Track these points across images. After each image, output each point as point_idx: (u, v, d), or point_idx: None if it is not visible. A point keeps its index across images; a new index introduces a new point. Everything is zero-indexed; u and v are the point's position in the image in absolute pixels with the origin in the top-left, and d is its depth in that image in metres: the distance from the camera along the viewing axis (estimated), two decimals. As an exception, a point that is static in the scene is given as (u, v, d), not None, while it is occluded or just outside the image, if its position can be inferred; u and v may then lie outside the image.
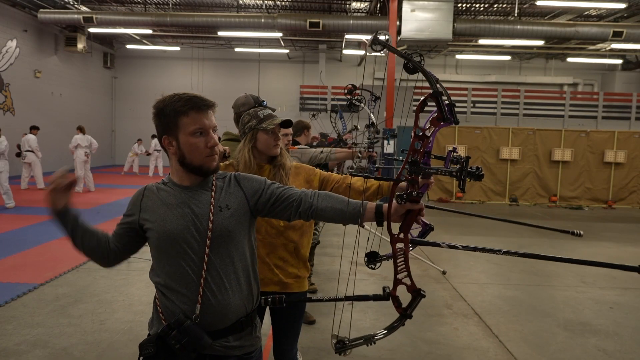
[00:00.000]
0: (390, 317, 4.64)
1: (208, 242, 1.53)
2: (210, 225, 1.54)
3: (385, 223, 1.52)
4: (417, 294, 1.42)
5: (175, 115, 1.54)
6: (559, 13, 15.24)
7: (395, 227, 1.50)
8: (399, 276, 1.43)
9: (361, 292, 4.75)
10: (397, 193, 1.46)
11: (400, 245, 1.47)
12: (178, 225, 1.55)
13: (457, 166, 1.54)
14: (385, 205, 1.50)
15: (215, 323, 1.54)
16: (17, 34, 15.41)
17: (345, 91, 4.45)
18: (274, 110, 2.45)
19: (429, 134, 1.43)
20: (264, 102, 2.88)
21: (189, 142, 1.54)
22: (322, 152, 3.76)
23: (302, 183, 2.36)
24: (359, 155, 5.25)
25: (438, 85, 1.50)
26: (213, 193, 1.60)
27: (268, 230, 2.29)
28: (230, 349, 1.59)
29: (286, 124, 2.29)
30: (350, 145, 5.04)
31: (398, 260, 1.46)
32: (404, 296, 1.49)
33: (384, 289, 1.53)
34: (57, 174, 1.61)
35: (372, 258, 1.62)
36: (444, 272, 6.12)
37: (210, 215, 1.55)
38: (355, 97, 4.38)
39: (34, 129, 12.45)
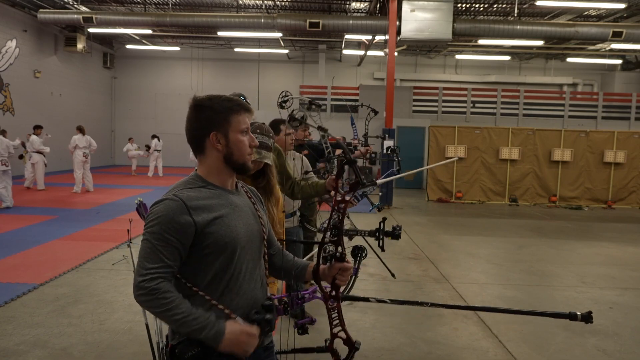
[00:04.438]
0: (390, 318, 4.67)
1: (265, 242, 1.71)
2: (263, 227, 1.70)
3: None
4: (351, 348, 1.52)
5: (228, 112, 1.58)
6: (558, 13, 15.24)
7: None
8: (335, 330, 1.51)
9: (361, 292, 4.75)
10: (322, 254, 1.59)
11: (332, 302, 1.58)
12: (253, 226, 1.65)
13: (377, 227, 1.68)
14: (321, 266, 1.64)
15: None
16: (17, 34, 15.41)
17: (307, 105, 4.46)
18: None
19: (348, 198, 1.52)
20: (241, 97, 2.97)
21: (238, 139, 1.59)
22: (311, 177, 3.90)
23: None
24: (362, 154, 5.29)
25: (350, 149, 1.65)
26: (248, 197, 1.73)
27: None
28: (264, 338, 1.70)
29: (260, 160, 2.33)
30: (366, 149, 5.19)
31: (332, 316, 1.54)
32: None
33: (325, 340, 1.67)
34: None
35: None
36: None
37: (259, 216, 1.70)
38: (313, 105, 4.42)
39: (37, 128, 12.41)
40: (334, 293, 1.54)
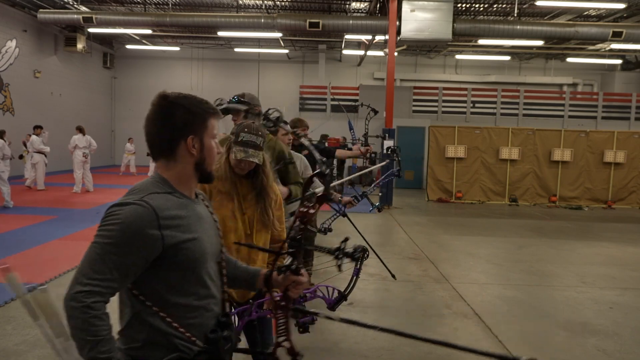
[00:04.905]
0: (390, 318, 4.66)
1: (223, 248, 1.64)
2: (221, 238, 1.63)
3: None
4: (294, 357, 1.47)
5: (206, 115, 1.49)
6: (558, 13, 15.24)
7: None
8: (279, 339, 1.49)
9: (361, 292, 4.74)
10: (279, 264, 1.57)
11: (281, 311, 1.56)
12: (214, 237, 1.57)
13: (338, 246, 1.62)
14: (274, 274, 1.60)
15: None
16: (17, 34, 15.40)
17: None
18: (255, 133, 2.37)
19: (312, 211, 1.51)
20: (223, 102, 3.06)
21: (211, 145, 1.51)
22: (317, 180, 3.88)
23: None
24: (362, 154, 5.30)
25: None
26: (205, 205, 1.63)
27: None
28: None
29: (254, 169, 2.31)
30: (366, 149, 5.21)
31: (279, 323, 1.53)
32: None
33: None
34: None
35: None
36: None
37: (218, 227, 1.62)
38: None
39: (37, 128, 12.42)
40: (283, 303, 1.51)
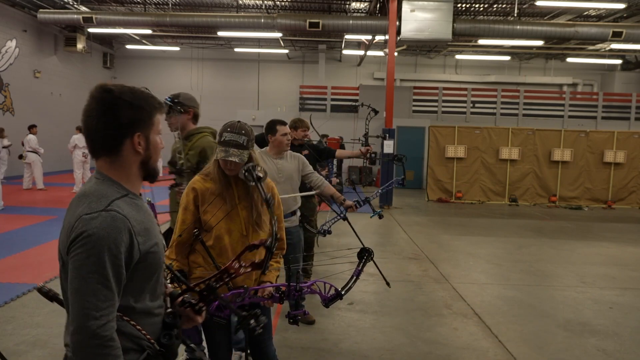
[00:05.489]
0: (390, 318, 4.66)
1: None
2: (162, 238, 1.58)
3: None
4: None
5: (154, 111, 1.42)
6: (558, 13, 15.24)
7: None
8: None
9: (361, 293, 4.77)
10: (186, 297, 1.55)
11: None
12: (161, 240, 1.51)
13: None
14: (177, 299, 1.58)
15: None
16: (17, 34, 15.40)
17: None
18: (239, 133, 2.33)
19: (242, 272, 1.52)
20: (168, 99, 3.10)
21: (156, 142, 1.44)
22: (318, 179, 3.90)
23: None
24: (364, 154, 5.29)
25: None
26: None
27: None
28: None
29: (237, 148, 2.25)
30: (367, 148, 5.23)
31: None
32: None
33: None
34: None
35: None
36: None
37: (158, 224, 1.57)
38: None
39: (32, 127, 12.45)
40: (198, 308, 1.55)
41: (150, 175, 1.47)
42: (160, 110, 1.45)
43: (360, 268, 2.13)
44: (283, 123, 3.77)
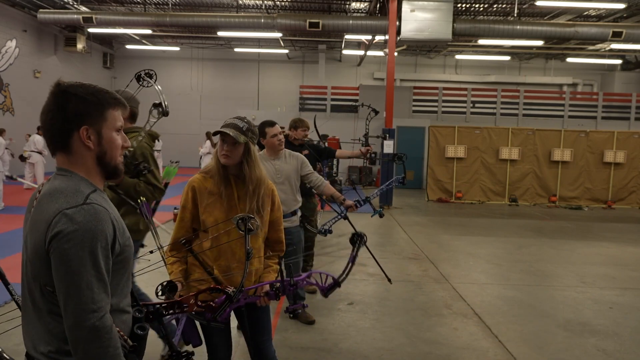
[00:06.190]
0: (390, 318, 4.66)
1: None
2: None
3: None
4: None
5: (104, 106, 1.40)
6: (558, 13, 15.24)
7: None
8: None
9: (361, 294, 4.77)
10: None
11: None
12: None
13: None
14: None
15: None
16: (17, 34, 15.41)
17: None
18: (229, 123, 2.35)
19: (195, 309, 1.66)
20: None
21: (112, 138, 1.42)
22: (317, 179, 3.90)
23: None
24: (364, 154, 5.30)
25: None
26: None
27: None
28: None
29: (227, 132, 2.24)
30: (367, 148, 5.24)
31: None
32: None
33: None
34: None
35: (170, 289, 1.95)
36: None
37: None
38: None
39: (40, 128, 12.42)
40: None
41: (110, 172, 1.45)
42: (115, 106, 1.43)
43: (354, 254, 2.11)
44: (271, 124, 3.78)
